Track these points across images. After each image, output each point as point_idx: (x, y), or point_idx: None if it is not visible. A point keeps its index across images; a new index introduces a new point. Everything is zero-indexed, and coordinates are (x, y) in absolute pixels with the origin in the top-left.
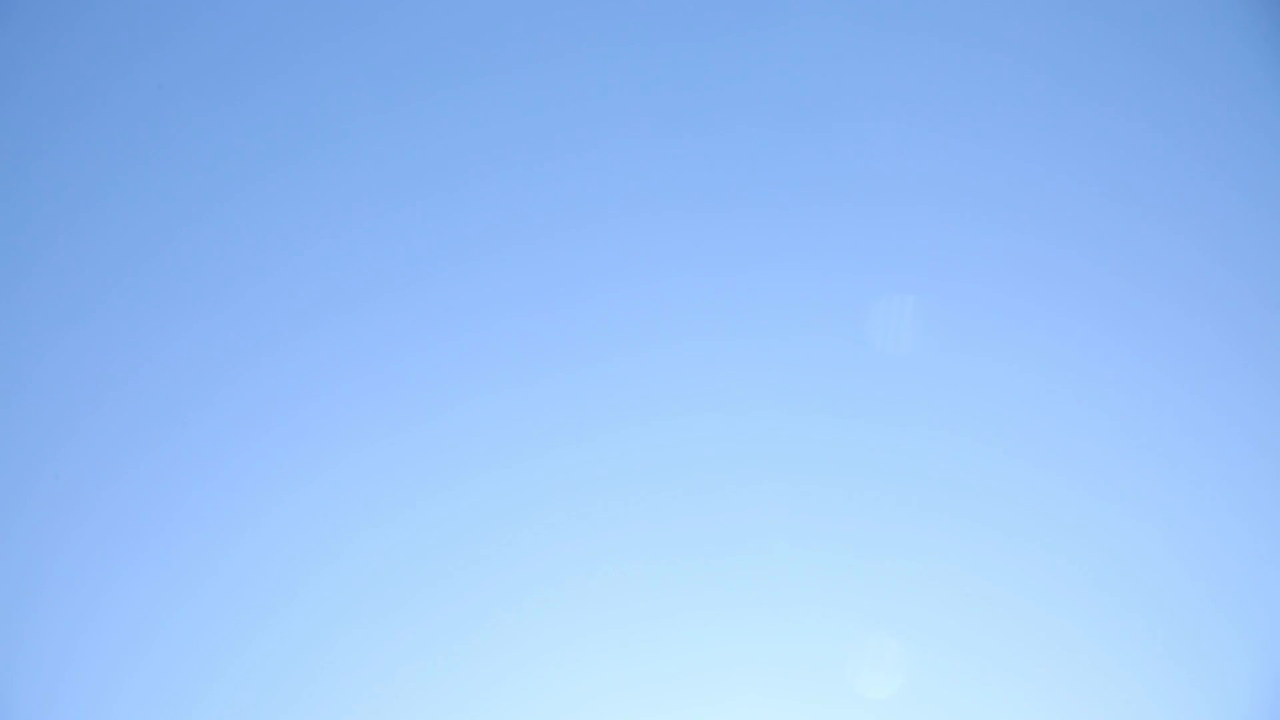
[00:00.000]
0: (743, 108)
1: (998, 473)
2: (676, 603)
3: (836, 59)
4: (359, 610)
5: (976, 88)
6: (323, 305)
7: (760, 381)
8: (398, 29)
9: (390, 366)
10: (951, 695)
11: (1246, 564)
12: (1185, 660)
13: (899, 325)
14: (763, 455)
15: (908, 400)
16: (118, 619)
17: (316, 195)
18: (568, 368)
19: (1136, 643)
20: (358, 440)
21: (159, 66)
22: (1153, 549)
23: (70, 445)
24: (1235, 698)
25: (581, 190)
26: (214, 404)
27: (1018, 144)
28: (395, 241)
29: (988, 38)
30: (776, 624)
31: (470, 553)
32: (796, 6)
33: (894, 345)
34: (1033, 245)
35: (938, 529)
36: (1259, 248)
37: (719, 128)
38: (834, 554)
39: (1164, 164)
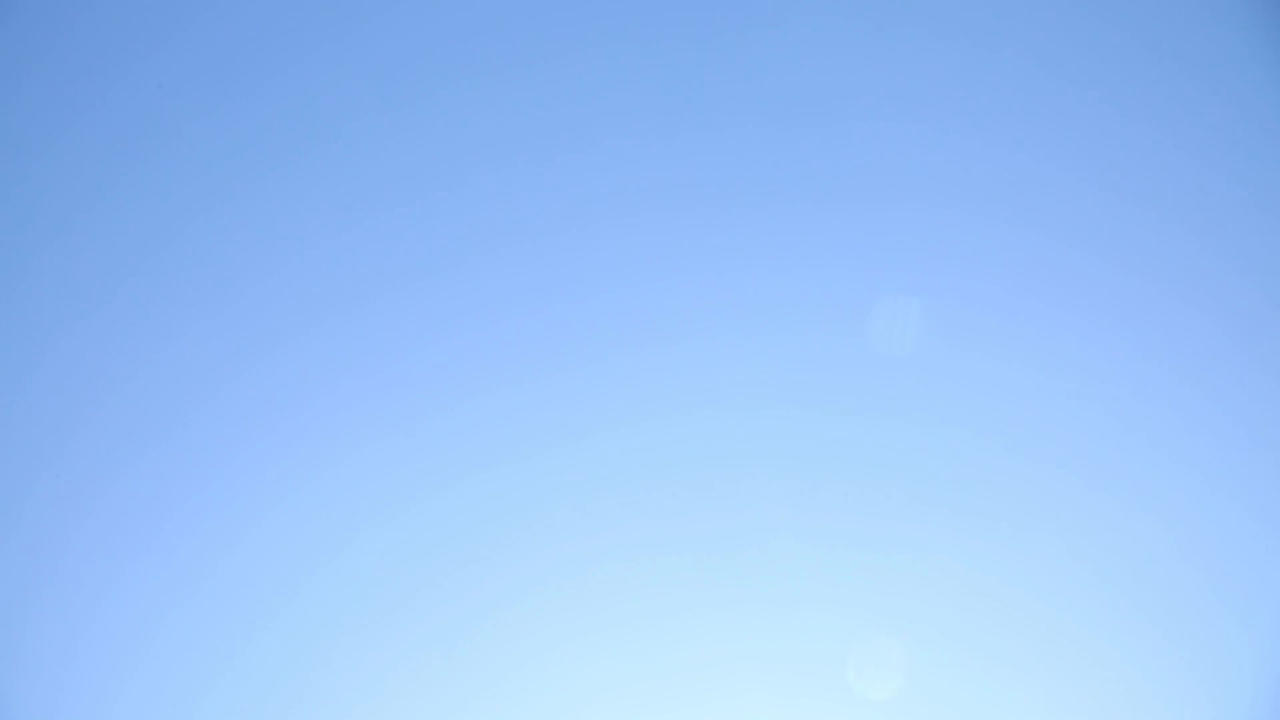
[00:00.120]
0: (743, 105)
1: (999, 469)
2: (678, 601)
3: (839, 56)
4: (360, 610)
5: (977, 85)
6: (325, 304)
7: (762, 379)
8: (399, 28)
9: (390, 366)
10: (953, 691)
11: (1250, 560)
12: (1189, 656)
13: (901, 322)
14: (765, 452)
15: (910, 397)
16: (119, 618)
17: (318, 194)
18: (569, 366)
19: (1139, 638)
20: (359, 439)
21: (159, 66)
22: (1155, 544)
23: (70, 445)
24: (1238, 692)
25: (579, 189)
26: (214, 404)
27: (1019, 141)
28: (394, 241)
29: (989, 35)
30: (778, 621)
31: (471, 551)
32: (798, 4)
33: (896, 342)
34: (1035, 242)
35: (939, 525)
36: (1263, 243)
37: (720, 125)
38: (836, 551)
39: (1165, 161)
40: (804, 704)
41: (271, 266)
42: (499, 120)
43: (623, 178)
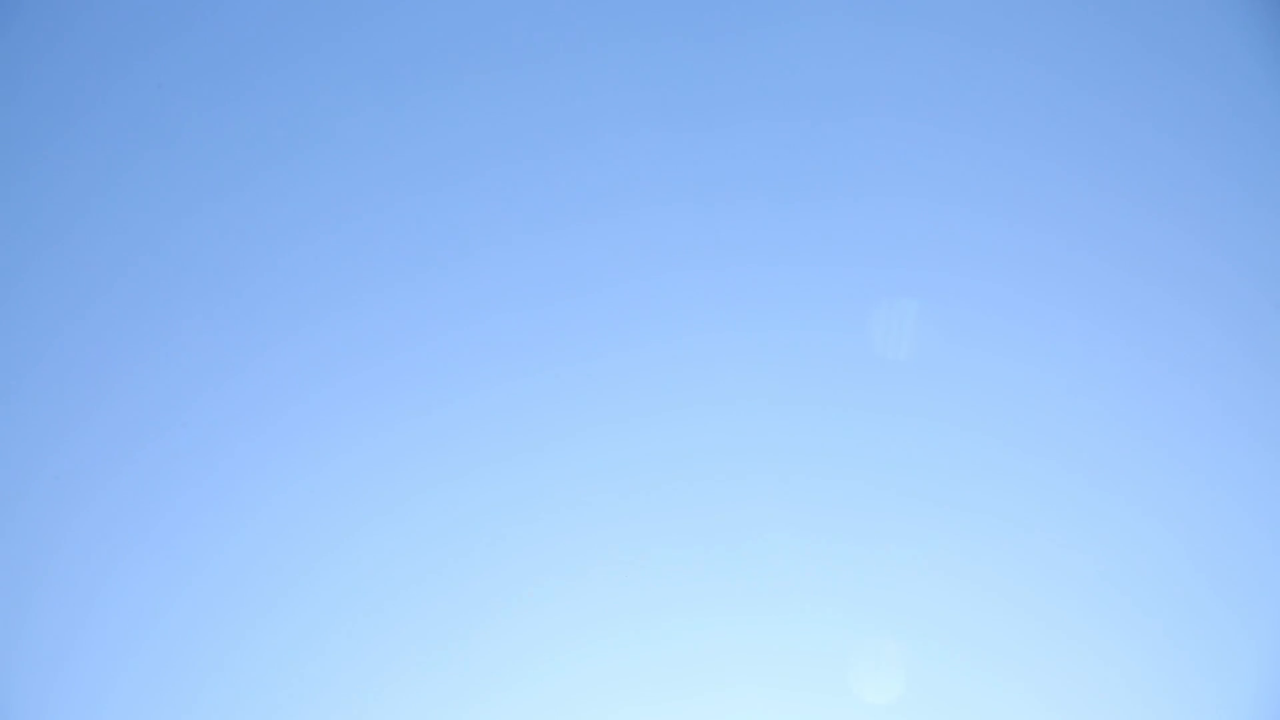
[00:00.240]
0: (744, 101)
1: (997, 465)
2: (676, 594)
3: (840, 52)
4: (357, 603)
5: (979, 83)
6: (321, 299)
7: (762, 374)
8: (397, 26)
9: (386, 360)
10: (951, 687)
11: (1252, 558)
12: (1191, 653)
13: (901, 319)
14: (764, 448)
15: (910, 393)
16: (115, 611)
17: (315, 190)
18: (567, 360)
19: (1140, 636)
20: (355, 433)
21: (159, 66)
22: (1156, 541)
23: (66, 440)
24: (1241, 689)
25: (577, 184)
26: (209, 398)
27: (1021, 139)
28: (391, 236)
29: (990, 33)
30: (775, 616)
31: (466, 545)
32: (798, 2)
33: (895, 339)
34: (1035, 240)
35: (936, 522)
36: (1264, 241)
37: (720, 121)
38: (833, 547)
39: (1168, 160)
40: (802, 697)
41: (268, 262)
42: (497, 116)
43: (622, 173)
